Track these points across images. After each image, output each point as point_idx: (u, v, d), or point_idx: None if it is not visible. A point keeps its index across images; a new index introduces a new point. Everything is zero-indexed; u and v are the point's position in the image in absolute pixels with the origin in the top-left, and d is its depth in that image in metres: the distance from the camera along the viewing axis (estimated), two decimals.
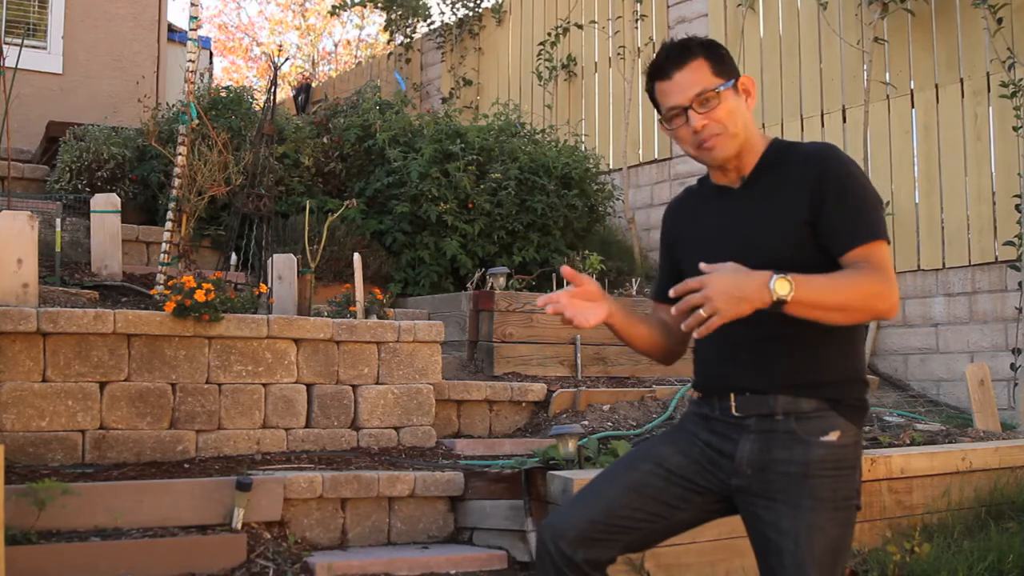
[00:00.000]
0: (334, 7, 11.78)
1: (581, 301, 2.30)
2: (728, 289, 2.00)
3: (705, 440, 2.32)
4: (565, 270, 2.30)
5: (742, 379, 2.27)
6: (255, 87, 10.19)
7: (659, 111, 2.35)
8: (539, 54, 9.30)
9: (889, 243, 2.23)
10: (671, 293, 2.08)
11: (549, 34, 9.32)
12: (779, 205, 2.26)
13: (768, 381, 2.23)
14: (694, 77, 2.25)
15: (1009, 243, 5.93)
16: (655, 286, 2.63)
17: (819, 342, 2.21)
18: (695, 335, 2.06)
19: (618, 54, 8.57)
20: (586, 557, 2.29)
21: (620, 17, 8.62)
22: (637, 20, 8.36)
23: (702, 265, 2.07)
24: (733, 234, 2.31)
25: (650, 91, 2.35)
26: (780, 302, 2.01)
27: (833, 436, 2.20)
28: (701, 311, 2.00)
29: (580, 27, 9.12)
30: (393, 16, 11.27)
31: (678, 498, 2.32)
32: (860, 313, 2.13)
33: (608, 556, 2.33)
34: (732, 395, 2.27)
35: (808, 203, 2.21)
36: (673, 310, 2.06)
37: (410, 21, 11.25)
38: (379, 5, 11.38)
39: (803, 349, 2.21)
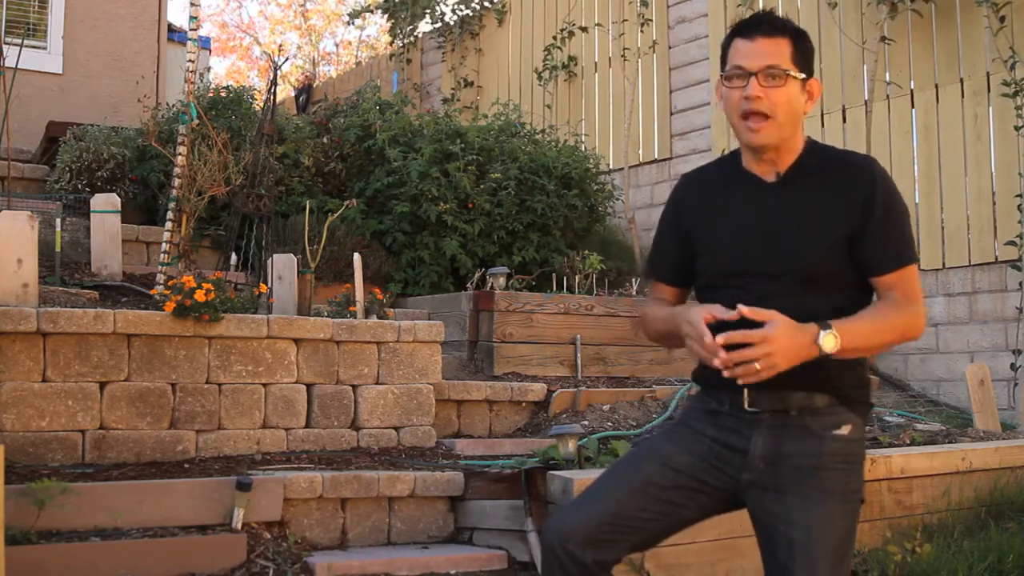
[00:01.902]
0: (350, 15, 11.88)
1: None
2: (788, 347, 2.11)
3: (712, 436, 2.32)
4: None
5: None
6: (255, 87, 10.19)
7: (723, 67, 2.33)
8: (545, 56, 9.30)
9: (918, 261, 2.28)
10: (721, 341, 2.11)
11: (555, 37, 9.31)
12: (819, 213, 2.27)
13: (784, 378, 2.22)
14: (774, 50, 2.24)
15: (1011, 243, 5.93)
16: (659, 264, 2.56)
17: None
18: (740, 381, 2.13)
19: (622, 55, 8.56)
20: (595, 558, 2.30)
21: (626, 20, 8.61)
22: (642, 24, 8.36)
23: (745, 310, 2.12)
24: (766, 234, 2.29)
25: (725, 46, 2.33)
26: (824, 357, 2.14)
27: (845, 430, 2.24)
28: (757, 364, 2.09)
29: (584, 30, 9.11)
30: (398, 20, 11.30)
31: (684, 497, 2.33)
32: (894, 344, 2.27)
33: (615, 556, 2.34)
34: (746, 390, 2.27)
35: (852, 219, 2.25)
36: (719, 362, 2.11)
37: (413, 24, 11.26)
38: (386, 11, 11.41)
39: None
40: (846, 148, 6.07)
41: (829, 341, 2.12)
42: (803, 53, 2.28)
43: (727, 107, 2.31)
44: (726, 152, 2.51)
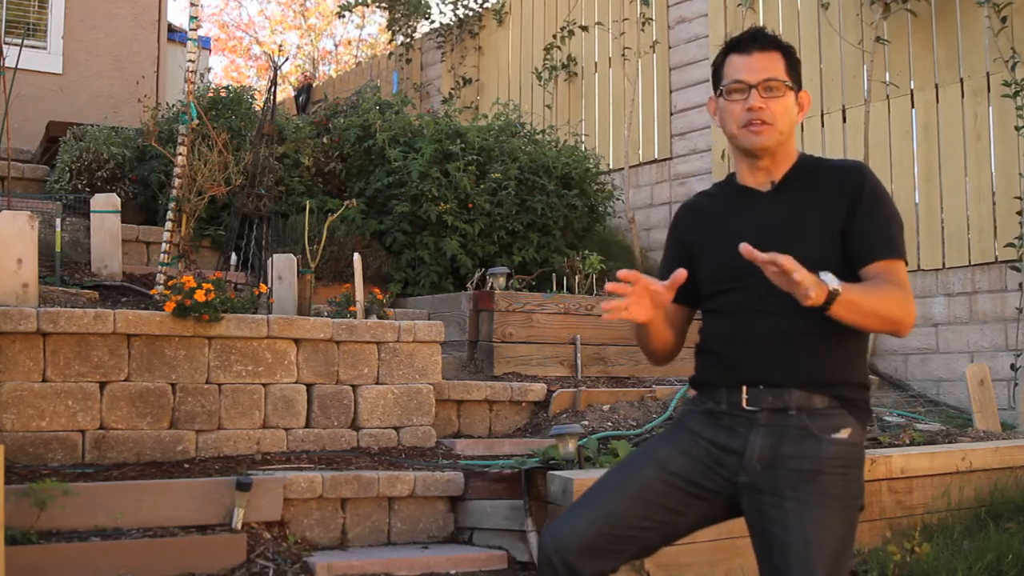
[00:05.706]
0: (341, 8, 11.81)
1: (645, 296, 2.28)
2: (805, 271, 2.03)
3: (709, 438, 2.31)
4: (622, 274, 2.24)
5: (757, 372, 2.27)
6: (255, 87, 10.17)
7: (717, 84, 2.44)
8: (545, 56, 9.30)
9: (907, 264, 2.30)
10: (744, 251, 2.05)
11: (554, 36, 9.32)
12: (814, 212, 2.32)
13: (784, 375, 2.24)
14: (770, 64, 2.36)
15: (1010, 244, 5.92)
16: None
17: (835, 342, 2.24)
18: (772, 278, 2.05)
19: (622, 55, 8.56)
20: (592, 570, 2.27)
21: (627, 19, 8.62)
22: (643, 23, 8.37)
23: (752, 251, 2.05)
24: (765, 237, 2.27)
25: (719, 64, 2.43)
26: (834, 294, 2.06)
27: (844, 433, 2.23)
28: (796, 276, 2.00)
29: (585, 29, 9.11)
30: (396, 15, 11.27)
31: (682, 504, 2.31)
32: (885, 322, 2.20)
33: (613, 567, 2.31)
34: (744, 388, 2.27)
35: (841, 213, 2.29)
36: (766, 257, 2.03)
37: (411, 21, 11.24)
38: (382, 4, 11.38)
39: (820, 347, 2.24)
40: (845, 148, 6.07)
41: (830, 277, 2.07)
42: (794, 67, 2.41)
43: (726, 120, 2.39)
44: (726, 152, 2.55)
